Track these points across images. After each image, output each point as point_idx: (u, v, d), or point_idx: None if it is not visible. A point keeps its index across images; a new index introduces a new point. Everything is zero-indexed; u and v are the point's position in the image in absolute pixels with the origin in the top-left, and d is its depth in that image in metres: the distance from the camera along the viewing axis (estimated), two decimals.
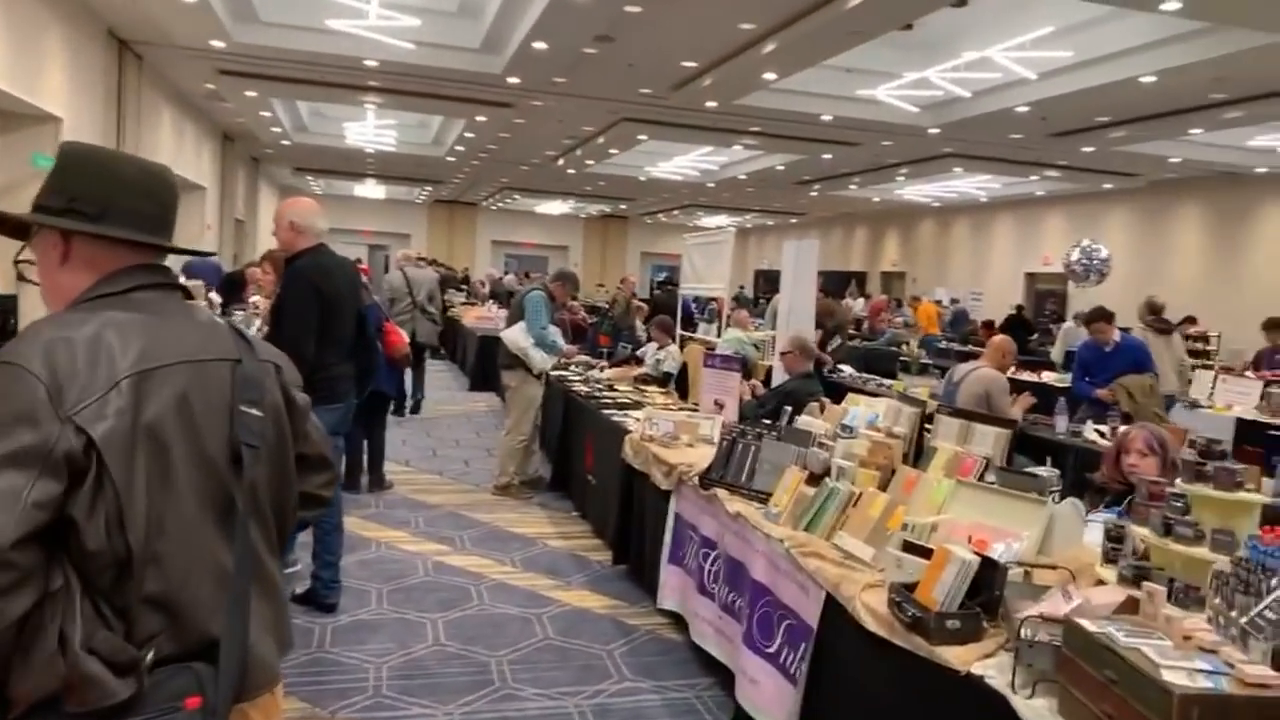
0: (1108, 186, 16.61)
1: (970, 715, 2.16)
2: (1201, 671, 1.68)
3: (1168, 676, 1.65)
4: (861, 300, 19.03)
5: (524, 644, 4.07)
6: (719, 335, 9.28)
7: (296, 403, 1.55)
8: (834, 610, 2.81)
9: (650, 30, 8.54)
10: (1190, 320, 13.30)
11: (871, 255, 25.46)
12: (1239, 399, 7.69)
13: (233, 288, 8.10)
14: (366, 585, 4.67)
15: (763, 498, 3.61)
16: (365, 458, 6.58)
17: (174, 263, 1.73)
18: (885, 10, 7.71)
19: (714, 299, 10.45)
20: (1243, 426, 7.05)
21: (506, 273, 21.97)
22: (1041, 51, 9.09)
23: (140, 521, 1.24)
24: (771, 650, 3.13)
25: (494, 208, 29.41)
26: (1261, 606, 1.89)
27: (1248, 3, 6.85)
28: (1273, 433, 6.79)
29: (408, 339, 7.21)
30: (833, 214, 26.25)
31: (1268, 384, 8.07)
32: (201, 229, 14.06)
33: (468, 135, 15.59)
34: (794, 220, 28.17)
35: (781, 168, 17.13)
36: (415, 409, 9.76)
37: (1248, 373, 8.74)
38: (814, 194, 20.91)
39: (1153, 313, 8.12)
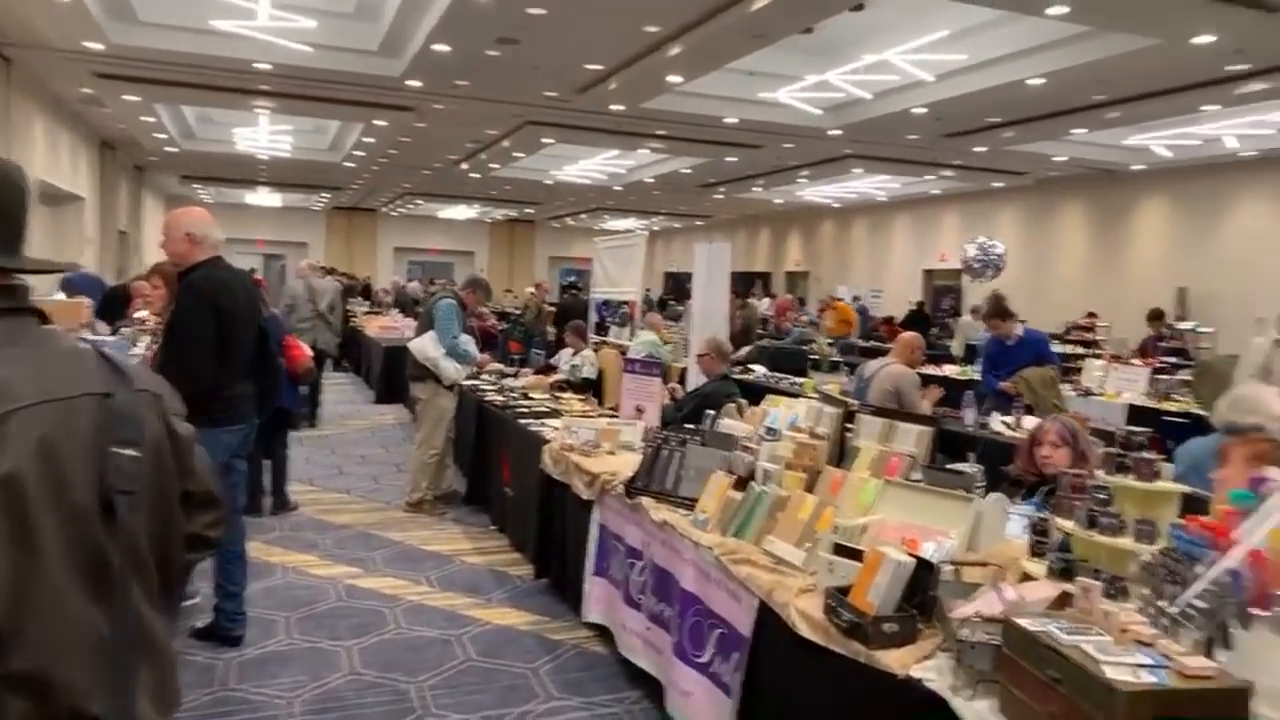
0: (998, 185, 17.26)
1: (911, 719, 2.13)
2: (1144, 666, 1.68)
3: (1111, 674, 1.64)
4: (767, 300, 19.29)
5: (445, 667, 3.91)
6: (631, 338, 9.25)
7: (180, 435, 1.35)
8: (767, 617, 2.76)
9: (555, 33, 8.43)
10: (1092, 316, 14.05)
11: (776, 256, 25.88)
12: (1128, 386, 8.07)
13: (116, 304, 7.61)
14: (273, 614, 4.42)
15: (689, 504, 3.55)
16: (268, 478, 6.28)
17: (46, 280, 1.52)
18: (787, 13, 7.78)
19: (626, 302, 10.43)
20: (1134, 412, 7.39)
21: (411, 280, 21.46)
22: (937, 55, 9.35)
23: (4, 593, 1.06)
24: (703, 660, 3.07)
25: (395, 213, 28.72)
26: (1190, 595, 1.92)
27: (1128, 8, 7.18)
28: (1165, 418, 7.13)
29: (310, 351, 6.93)
30: (738, 216, 26.59)
31: (1155, 371, 8.50)
32: (81, 243, 13.24)
33: (367, 140, 15.14)
34: (700, 223, 28.43)
35: (688, 170, 17.23)
36: (312, 423, 9.41)
37: (1134, 360, 9.18)
38: (719, 196, 21.12)
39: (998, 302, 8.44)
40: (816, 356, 10.69)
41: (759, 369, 9.88)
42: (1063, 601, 2.16)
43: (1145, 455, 2.39)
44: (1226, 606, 1.83)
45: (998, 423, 6.01)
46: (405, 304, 15.31)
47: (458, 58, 9.35)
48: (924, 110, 11.03)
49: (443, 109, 12.09)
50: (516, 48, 8.98)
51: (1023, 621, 1.90)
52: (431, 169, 18.33)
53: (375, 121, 13.35)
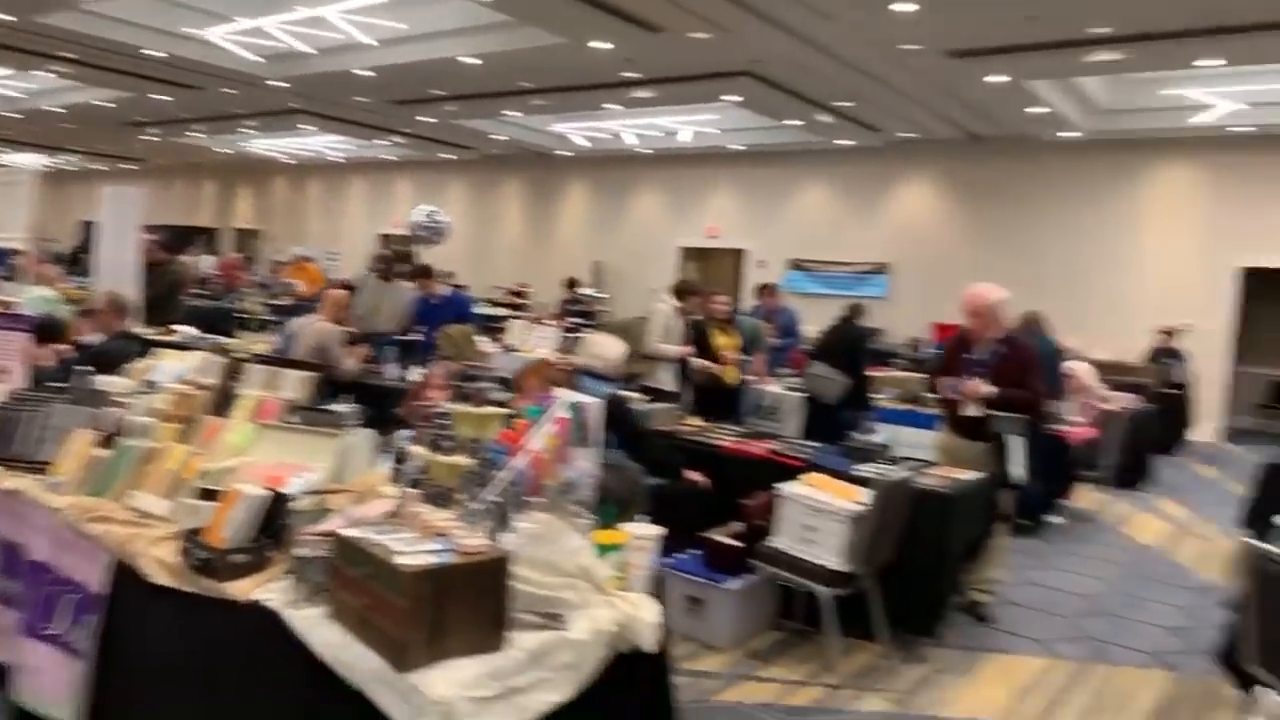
0: (448, 157, 18.15)
1: (256, 641, 2.22)
2: (431, 551, 1.98)
3: (401, 560, 1.91)
4: (211, 258, 17.79)
5: None
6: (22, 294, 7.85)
7: None
8: (126, 574, 2.62)
9: None
10: (524, 284, 15.57)
11: (222, 210, 23.95)
12: (542, 343, 9.19)
13: None
14: None
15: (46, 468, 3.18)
16: None
17: None
18: None
19: (16, 251, 8.81)
20: None
21: None
22: (378, 19, 9.46)
23: None
24: (54, 633, 2.80)
25: None
26: (488, 493, 2.30)
27: (538, 6, 8.05)
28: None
29: None
30: (176, 163, 23.94)
31: (566, 330, 9.80)
32: None
33: None
34: (133, 166, 24.95)
35: (109, 105, 15.03)
36: None
37: (549, 321, 10.50)
38: (152, 138, 18.81)
39: (382, 262, 9.05)
40: (245, 315, 10.28)
41: (188, 329, 9.10)
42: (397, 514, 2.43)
43: (480, 386, 2.78)
44: (511, 498, 2.24)
45: (415, 374, 6.39)
46: None
47: None
48: (370, 74, 11.12)
49: None
50: None
51: (345, 532, 2.10)
52: None
53: None
